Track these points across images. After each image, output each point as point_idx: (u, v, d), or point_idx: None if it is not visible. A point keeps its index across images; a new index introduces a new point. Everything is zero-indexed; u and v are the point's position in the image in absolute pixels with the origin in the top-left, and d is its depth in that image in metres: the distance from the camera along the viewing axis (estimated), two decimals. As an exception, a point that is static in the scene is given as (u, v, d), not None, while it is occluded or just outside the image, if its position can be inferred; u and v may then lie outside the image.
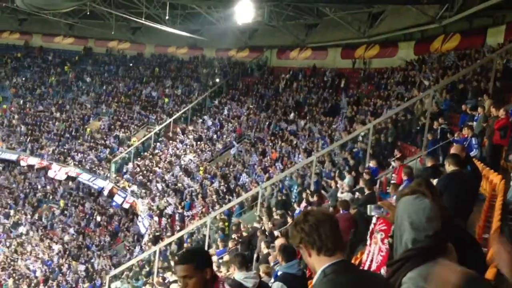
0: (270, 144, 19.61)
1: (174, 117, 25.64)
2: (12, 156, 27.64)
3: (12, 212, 26.24)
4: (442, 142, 10.57)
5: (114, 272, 16.65)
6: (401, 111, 13.99)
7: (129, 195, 21.74)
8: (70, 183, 26.51)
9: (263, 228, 10.98)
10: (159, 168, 22.39)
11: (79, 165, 25.47)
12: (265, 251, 8.70)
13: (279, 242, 6.70)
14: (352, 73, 22.58)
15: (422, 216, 1.99)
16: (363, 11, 21.40)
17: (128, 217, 23.26)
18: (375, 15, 21.06)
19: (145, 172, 22.61)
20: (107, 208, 24.47)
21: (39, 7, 20.94)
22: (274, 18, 23.25)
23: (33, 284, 21.57)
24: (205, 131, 23.91)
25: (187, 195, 19.55)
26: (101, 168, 24.83)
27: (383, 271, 3.37)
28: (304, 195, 11.59)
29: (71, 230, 24.08)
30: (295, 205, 12.09)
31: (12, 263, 23.46)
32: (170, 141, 24.43)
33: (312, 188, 12.22)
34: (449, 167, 4.96)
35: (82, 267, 21.34)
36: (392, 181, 9.23)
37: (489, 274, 2.64)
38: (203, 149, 22.49)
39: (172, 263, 13.19)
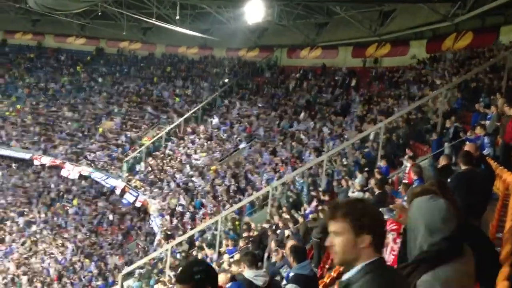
0: (281, 143, 19.60)
1: (184, 116, 25.76)
2: (26, 156, 28.00)
3: (26, 210, 26.60)
4: (455, 141, 10.48)
5: (126, 270, 16.80)
6: (412, 110, 13.91)
7: (141, 194, 21.91)
8: (83, 182, 26.80)
9: (273, 228, 11.00)
10: (170, 167, 22.53)
11: (92, 164, 25.74)
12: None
13: (291, 243, 6.69)
14: (364, 72, 22.46)
15: (438, 217, 1.93)
16: (374, 9, 21.29)
17: (140, 216, 23.47)
18: (386, 14, 20.94)
19: (156, 171, 22.78)
20: (119, 207, 24.70)
21: (51, 7, 21.22)
22: (284, 17, 23.23)
23: (47, 282, 21.85)
24: (216, 130, 23.99)
25: (198, 194, 19.65)
26: (113, 167, 25.07)
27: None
28: (315, 193, 11.58)
29: (84, 229, 24.35)
30: (306, 205, 12.10)
31: (26, 261, 23.77)
32: (181, 141, 24.56)
33: (323, 187, 12.21)
34: (461, 166, 4.94)
35: (94, 266, 21.57)
36: (404, 181, 9.18)
37: (503, 273, 2.63)
38: (214, 148, 22.57)
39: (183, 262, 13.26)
